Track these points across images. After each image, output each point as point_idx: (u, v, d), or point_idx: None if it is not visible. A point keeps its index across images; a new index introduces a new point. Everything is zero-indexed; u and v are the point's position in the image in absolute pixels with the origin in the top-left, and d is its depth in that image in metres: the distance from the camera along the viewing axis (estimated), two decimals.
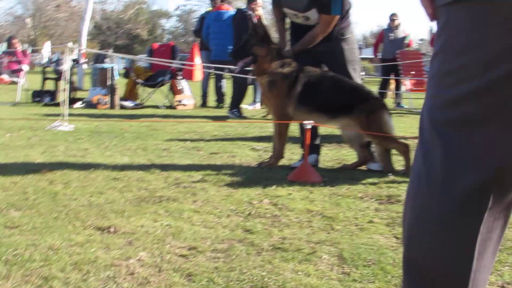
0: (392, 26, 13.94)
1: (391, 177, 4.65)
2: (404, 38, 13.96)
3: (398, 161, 5.12)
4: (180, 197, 3.86)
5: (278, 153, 5.12)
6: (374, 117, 4.90)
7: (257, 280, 2.42)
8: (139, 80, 12.42)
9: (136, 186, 4.15)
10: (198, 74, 13.86)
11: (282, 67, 4.97)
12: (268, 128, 8.06)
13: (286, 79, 4.96)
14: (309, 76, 4.97)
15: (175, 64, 12.50)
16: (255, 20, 6.84)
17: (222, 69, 11.49)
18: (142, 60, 16.32)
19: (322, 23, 5.05)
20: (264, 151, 6.09)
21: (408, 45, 14.24)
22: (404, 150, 4.93)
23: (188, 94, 12.46)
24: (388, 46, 13.87)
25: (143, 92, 12.74)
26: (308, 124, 4.61)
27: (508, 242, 3.00)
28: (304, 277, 2.46)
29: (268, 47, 5.01)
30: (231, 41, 10.89)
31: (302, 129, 5.14)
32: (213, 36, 11.71)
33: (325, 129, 6.72)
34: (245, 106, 12.40)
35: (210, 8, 12.64)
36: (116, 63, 19.55)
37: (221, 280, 2.41)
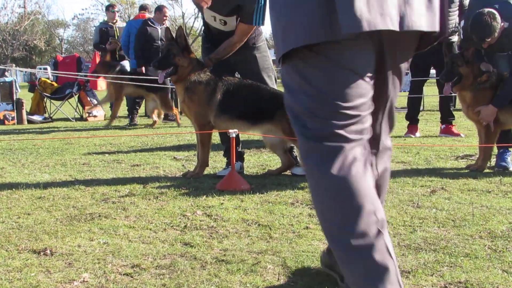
0: None
1: None
2: None
3: None
4: (111, 213, 3.79)
5: (203, 162, 5.11)
6: None
7: None
8: (46, 94, 12.08)
9: (63, 204, 4.04)
10: (103, 84, 13.64)
11: (200, 76, 4.98)
12: (185, 136, 8.03)
13: (206, 87, 4.97)
14: (228, 84, 5.00)
15: (81, 76, 12.23)
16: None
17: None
18: (47, 73, 15.84)
19: (240, 32, 5.08)
20: (185, 160, 6.06)
21: None
22: None
23: (98, 105, 12.23)
24: None
25: (51, 105, 12.40)
26: (233, 132, 4.63)
27: (442, 241, 3.12)
28: None
29: (188, 57, 5.00)
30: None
31: (224, 137, 5.16)
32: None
33: (242, 134, 6.77)
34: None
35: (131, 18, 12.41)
36: (15, 76, 18.89)
37: None
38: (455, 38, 7.73)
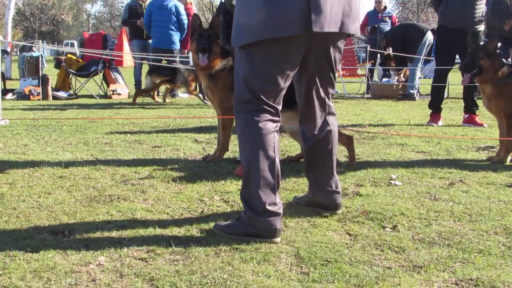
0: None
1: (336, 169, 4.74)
2: None
3: (340, 152, 5.22)
4: (130, 195, 3.85)
5: (223, 146, 5.14)
6: None
7: (220, 283, 2.45)
8: (72, 70, 12.18)
9: (83, 185, 4.10)
10: (128, 61, 13.71)
11: (226, 61, 4.99)
12: (207, 119, 8.07)
13: (230, 73, 4.98)
14: None
15: (107, 54, 12.34)
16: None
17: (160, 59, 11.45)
18: (74, 51, 15.97)
19: None
20: (206, 143, 6.10)
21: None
22: (347, 141, 5.02)
23: (122, 83, 12.32)
24: None
25: (76, 82, 12.51)
26: None
27: (457, 236, 3.12)
28: (265, 278, 2.51)
29: (218, 43, 5.01)
30: (174, 29, 11.13)
31: None
32: (156, 24, 11.58)
33: None
34: (180, 94, 12.36)
35: None
36: (43, 52, 19.07)
37: (183, 284, 2.44)
38: (481, 28, 7.66)
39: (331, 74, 3.43)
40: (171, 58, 11.55)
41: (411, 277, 2.57)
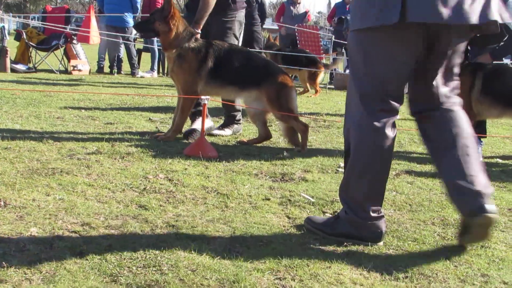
0: (295, 0, 14.01)
1: (286, 155, 4.75)
2: (304, 14, 14.05)
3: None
4: (74, 169, 3.80)
5: (177, 127, 5.11)
6: (282, 92, 4.99)
7: (150, 258, 2.43)
8: (32, 44, 11.98)
9: (28, 157, 4.04)
10: (95, 38, 13.55)
11: (191, 42, 4.95)
12: (166, 99, 8.01)
13: (197, 55, 4.95)
14: (219, 50, 5.00)
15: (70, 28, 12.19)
16: None
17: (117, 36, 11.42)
18: (36, 23, 15.70)
19: None
20: (160, 122, 6.06)
21: (308, 20, 14.32)
22: (303, 129, 5.03)
23: (83, 59, 12.16)
24: (289, 21, 13.94)
25: (36, 56, 12.31)
26: (205, 99, 4.62)
27: (394, 225, 3.15)
28: (197, 256, 2.50)
29: (171, 24, 4.94)
30: (127, 8, 11.08)
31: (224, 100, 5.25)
32: (108, 1, 11.53)
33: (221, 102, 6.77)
34: (142, 73, 12.28)
35: None
36: (6, 23, 18.72)
37: (113, 258, 2.41)
38: None
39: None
40: (127, 35, 11.53)
41: (343, 260, 2.59)
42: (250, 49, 5.10)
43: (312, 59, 10.83)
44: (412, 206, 3.55)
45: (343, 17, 13.98)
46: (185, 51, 4.94)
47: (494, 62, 5.54)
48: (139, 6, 11.65)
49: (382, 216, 2.87)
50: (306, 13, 14.10)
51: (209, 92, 4.98)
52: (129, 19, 11.85)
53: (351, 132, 2.87)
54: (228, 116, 5.71)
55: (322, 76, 11.27)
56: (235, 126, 5.70)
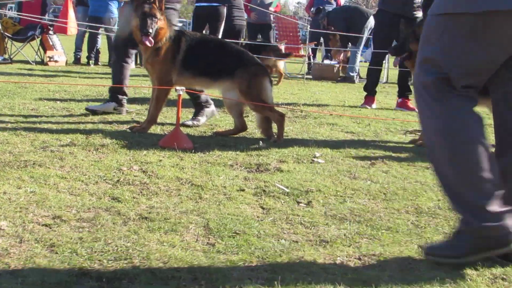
0: None
1: (262, 145, 4.74)
2: (270, 3, 13.78)
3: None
4: (46, 161, 3.76)
5: (152, 118, 5.08)
6: (255, 82, 4.97)
7: (122, 251, 2.41)
8: (8, 34, 11.83)
9: (0, 149, 3.98)
10: (73, 29, 13.44)
11: (164, 32, 4.90)
12: (142, 90, 7.96)
13: (171, 44, 4.92)
14: (191, 40, 4.97)
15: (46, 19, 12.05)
16: None
17: (97, 27, 11.29)
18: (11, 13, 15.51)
19: None
20: (136, 114, 6.02)
21: (275, 10, 13.98)
22: (279, 119, 5.02)
23: (60, 50, 12.05)
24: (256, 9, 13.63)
25: (12, 46, 12.16)
26: (180, 90, 4.59)
27: (368, 214, 3.16)
28: (169, 248, 2.48)
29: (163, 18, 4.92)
30: None
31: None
32: None
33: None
34: None
35: None
36: None
37: (84, 251, 2.39)
38: (419, 14, 7.73)
39: None
40: (109, 27, 11.43)
41: (316, 250, 2.58)
42: (223, 39, 5.04)
43: (273, 48, 10.92)
44: (386, 195, 3.56)
45: (321, 7, 13.93)
46: (159, 42, 4.90)
47: None
48: None
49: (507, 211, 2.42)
50: (272, 2, 13.84)
51: (182, 82, 4.95)
52: (114, 9, 11.70)
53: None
54: (196, 104, 5.67)
55: (283, 64, 11.40)
56: (206, 110, 5.66)
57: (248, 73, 4.94)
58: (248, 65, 4.99)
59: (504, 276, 2.44)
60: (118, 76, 5.78)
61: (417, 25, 5.39)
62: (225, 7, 9.34)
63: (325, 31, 12.91)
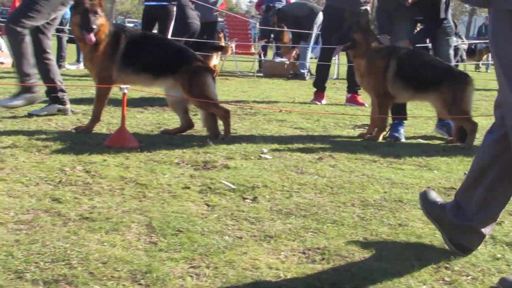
0: None
1: (209, 143, 4.69)
2: (216, 1, 13.64)
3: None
4: None
5: (95, 117, 4.97)
6: (197, 79, 4.91)
7: (59, 252, 2.34)
8: None
9: None
10: None
11: (104, 29, 4.81)
12: (90, 90, 7.82)
13: (110, 39, 4.83)
14: (131, 36, 4.89)
15: None
16: None
17: None
18: None
19: None
20: (82, 114, 5.90)
21: (220, 8, 13.80)
22: (224, 115, 4.98)
23: (5, 52, 11.80)
24: (201, 7, 13.45)
25: None
26: (125, 88, 4.51)
27: (314, 208, 3.14)
28: (109, 248, 2.42)
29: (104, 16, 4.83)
30: None
31: None
32: None
33: (146, 92, 6.66)
34: (67, 66, 12.00)
35: None
36: None
37: (20, 253, 2.31)
38: (368, 7, 7.80)
39: None
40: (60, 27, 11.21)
41: (260, 246, 2.56)
42: (163, 36, 4.97)
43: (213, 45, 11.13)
44: (333, 188, 3.55)
45: (271, 4, 13.94)
46: (98, 37, 4.80)
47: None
48: None
49: None
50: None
51: (124, 79, 4.87)
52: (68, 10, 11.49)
53: None
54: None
55: (216, 60, 11.59)
56: (28, 95, 5.56)
57: (190, 70, 4.88)
58: (190, 62, 4.93)
59: (447, 265, 2.46)
60: (47, 76, 5.63)
61: (362, 15, 5.42)
62: (174, 6, 9.27)
63: (274, 29, 12.92)
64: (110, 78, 4.85)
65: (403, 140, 5.40)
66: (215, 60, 11.32)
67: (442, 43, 5.71)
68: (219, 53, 11.49)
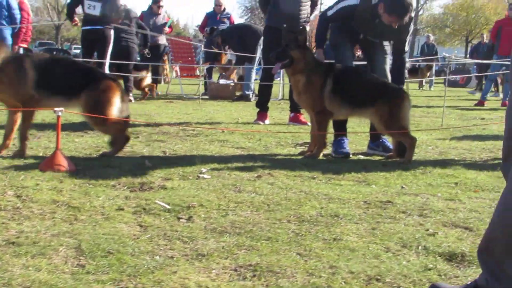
0: (156, 11, 13.61)
1: (148, 164, 4.63)
2: (164, 24, 13.67)
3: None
4: None
5: (23, 138, 4.86)
6: (100, 99, 4.89)
7: None
8: None
9: None
10: None
11: (12, 53, 4.76)
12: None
13: (15, 64, 4.75)
14: (38, 60, 4.84)
15: None
16: None
17: None
18: None
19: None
20: (15, 138, 5.77)
21: (168, 32, 13.88)
22: (116, 136, 5.03)
23: None
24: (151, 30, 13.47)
25: None
26: (59, 111, 4.43)
27: (249, 225, 3.12)
28: (34, 272, 2.34)
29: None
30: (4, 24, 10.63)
31: None
32: None
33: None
34: None
35: None
36: None
37: None
38: (306, 28, 7.85)
39: None
40: None
41: (191, 265, 2.52)
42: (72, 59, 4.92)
43: (142, 66, 11.59)
44: (270, 205, 3.54)
45: (215, 27, 13.95)
46: (4, 64, 4.70)
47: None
48: (18, 16, 10.92)
49: None
50: (166, 23, 13.77)
51: (38, 103, 4.79)
52: (7, 34, 11.17)
53: None
54: None
55: (148, 81, 11.99)
56: None
57: (95, 90, 4.85)
58: (96, 82, 4.90)
59: (379, 277, 2.46)
60: None
61: (300, 32, 5.46)
62: (111, 29, 9.23)
63: (219, 51, 12.95)
64: (32, 98, 4.76)
65: (351, 155, 5.45)
66: (148, 80, 11.75)
67: (378, 59, 5.77)
68: (148, 73, 11.58)
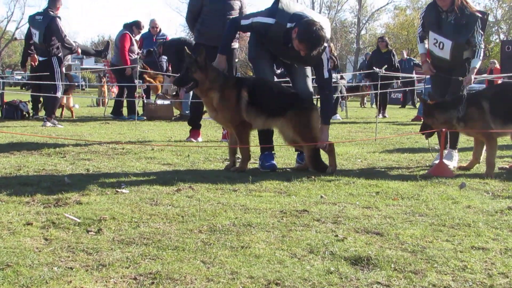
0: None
1: (67, 181, 4.56)
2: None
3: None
4: None
5: None
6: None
7: None
8: None
9: None
10: None
11: None
12: None
13: None
14: None
15: None
16: None
17: None
18: None
19: None
20: None
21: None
22: None
23: None
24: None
25: None
26: None
27: (158, 236, 3.09)
28: None
29: None
30: None
31: None
32: None
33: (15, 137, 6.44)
34: None
35: None
36: None
37: None
38: (235, 45, 7.83)
39: None
40: None
41: (90, 274, 2.48)
42: None
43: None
44: (184, 217, 3.52)
45: (151, 49, 13.83)
46: None
47: None
48: None
49: None
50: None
51: None
52: None
53: None
54: None
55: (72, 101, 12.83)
56: None
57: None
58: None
59: (278, 281, 2.46)
60: None
61: (198, 53, 5.34)
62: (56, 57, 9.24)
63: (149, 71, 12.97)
64: None
65: (277, 168, 5.48)
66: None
67: (300, 81, 5.69)
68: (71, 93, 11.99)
